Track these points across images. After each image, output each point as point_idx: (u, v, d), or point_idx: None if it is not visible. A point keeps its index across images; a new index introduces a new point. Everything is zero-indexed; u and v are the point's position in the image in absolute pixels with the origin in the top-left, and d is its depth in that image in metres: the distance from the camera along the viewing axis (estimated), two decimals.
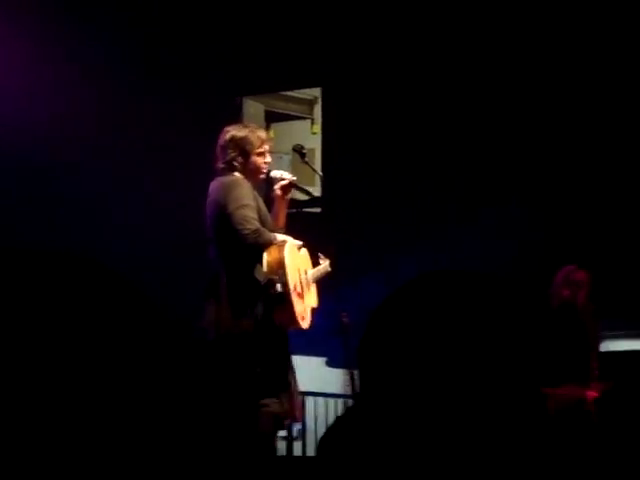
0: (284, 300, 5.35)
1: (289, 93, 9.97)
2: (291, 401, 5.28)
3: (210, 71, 8.75)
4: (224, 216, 5.32)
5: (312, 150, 9.00)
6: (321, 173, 7.26)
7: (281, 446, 7.28)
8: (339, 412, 7.72)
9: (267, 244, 5.33)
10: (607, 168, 7.84)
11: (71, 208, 8.21)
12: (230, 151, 5.48)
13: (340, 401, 7.99)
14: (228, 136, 5.53)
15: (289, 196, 5.72)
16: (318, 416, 8.07)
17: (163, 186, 8.16)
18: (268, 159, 5.59)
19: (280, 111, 10.27)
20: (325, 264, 5.96)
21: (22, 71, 8.55)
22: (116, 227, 8.10)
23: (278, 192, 5.68)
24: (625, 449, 5.83)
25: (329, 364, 8.14)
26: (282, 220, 5.72)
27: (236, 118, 9.08)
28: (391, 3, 8.15)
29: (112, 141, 8.15)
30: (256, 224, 5.27)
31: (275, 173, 5.67)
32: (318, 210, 8.69)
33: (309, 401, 8.08)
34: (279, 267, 5.33)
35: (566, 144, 7.93)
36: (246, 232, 5.22)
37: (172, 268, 8.00)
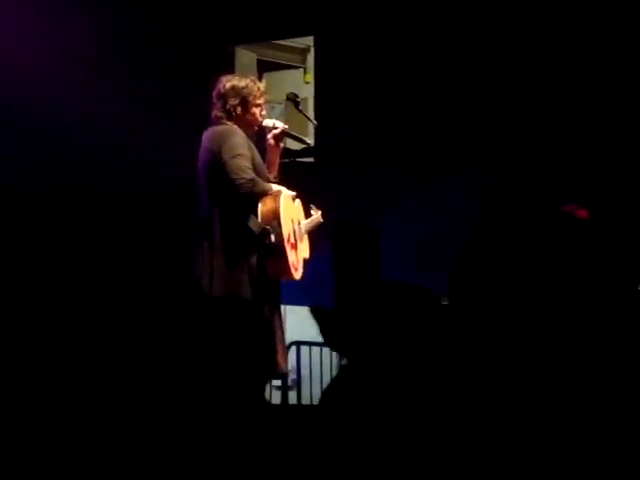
0: (278, 251, 5.35)
1: (282, 42, 9.90)
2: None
3: (202, 20, 8.67)
4: (218, 165, 5.30)
5: (305, 99, 8.94)
6: (315, 122, 7.23)
7: (276, 395, 7.31)
8: (333, 361, 7.74)
9: (262, 194, 5.31)
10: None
11: (64, 153, 8.18)
12: (231, 99, 5.45)
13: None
14: (229, 85, 5.49)
15: (282, 145, 5.70)
16: (313, 365, 8.09)
17: (153, 135, 8.11)
18: (264, 111, 5.57)
19: (273, 60, 10.20)
20: (317, 215, 5.95)
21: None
22: (105, 174, 8.05)
23: (271, 141, 5.66)
24: None
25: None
26: (275, 169, 5.71)
27: (228, 67, 9.02)
28: None
29: (99, 89, 8.07)
30: (251, 173, 5.25)
31: (267, 122, 5.65)
32: (311, 160, 8.67)
33: (304, 350, 8.11)
34: (274, 217, 5.33)
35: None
36: (241, 181, 5.21)
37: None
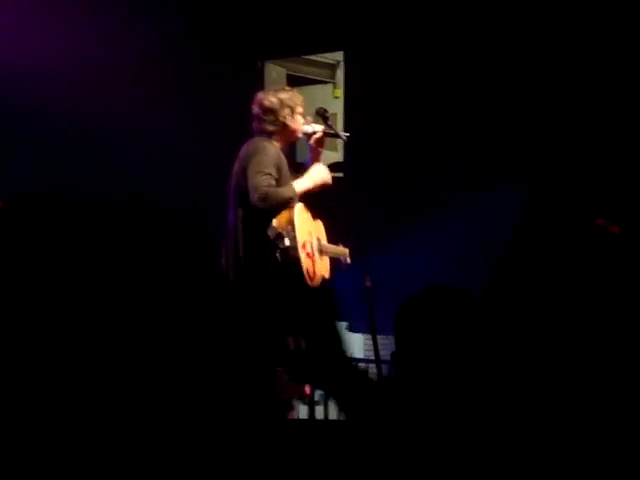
0: (291, 254, 5.47)
1: (311, 57, 9.91)
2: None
3: (232, 34, 8.70)
4: (245, 175, 5.50)
5: (334, 114, 8.94)
6: (344, 137, 7.23)
7: (303, 410, 7.30)
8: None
9: (278, 205, 5.46)
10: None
11: (92, 158, 8.24)
12: (282, 111, 5.71)
13: (362, 365, 7.99)
14: (276, 98, 5.76)
15: (324, 147, 5.97)
16: None
17: (183, 147, 8.15)
18: (304, 119, 5.85)
19: (302, 75, 10.22)
20: (344, 250, 6.02)
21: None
22: (132, 183, 8.09)
23: (314, 145, 5.90)
24: None
25: (351, 328, 8.14)
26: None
27: (258, 82, 9.03)
28: None
29: (132, 99, 8.11)
30: (264, 190, 5.40)
31: (306, 128, 5.88)
32: (341, 175, 8.66)
33: None
34: (288, 223, 5.49)
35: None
36: (254, 199, 5.41)
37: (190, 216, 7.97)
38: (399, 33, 8.27)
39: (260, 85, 9.12)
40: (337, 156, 9.55)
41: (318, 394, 8.04)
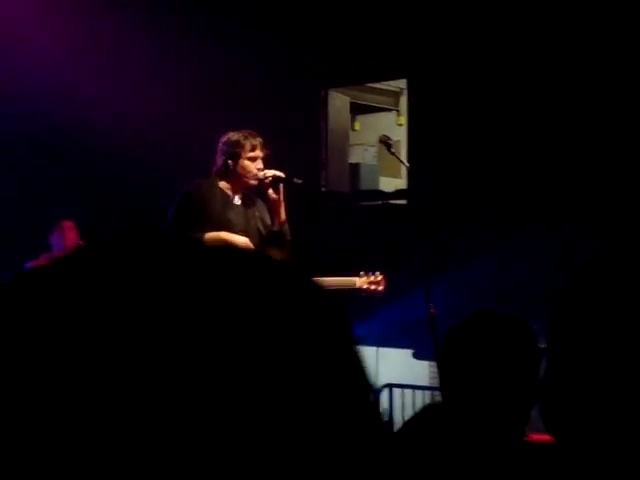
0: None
1: (375, 85, 9.96)
2: None
3: (296, 63, 8.78)
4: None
5: (398, 142, 8.97)
6: (407, 164, 7.25)
7: None
8: (425, 404, 7.70)
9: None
10: None
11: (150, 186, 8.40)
12: (224, 154, 5.69)
13: (427, 393, 7.97)
14: (224, 139, 5.73)
15: (280, 191, 5.76)
16: (405, 407, 8.05)
17: None
18: (259, 165, 5.67)
19: (365, 103, 10.27)
20: (350, 280, 5.90)
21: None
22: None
23: (269, 191, 5.77)
24: None
25: (416, 356, 8.13)
26: (281, 216, 5.80)
27: (321, 110, 9.10)
28: None
29: (194, 125, 8.22)
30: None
31: (260, 174, 5.74)
32: (404, 202, 8.67)
33: (396, 393, 8.07)
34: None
35: None
36: None
37: None
38: (462, 60, 8.27)
39: (324, 113, 9.19)
40: (401, 183, 9.58)
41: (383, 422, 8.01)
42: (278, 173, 5.70)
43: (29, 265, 7.33)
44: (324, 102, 9.19)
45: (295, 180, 5.78)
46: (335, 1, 8.57)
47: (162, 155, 8.41)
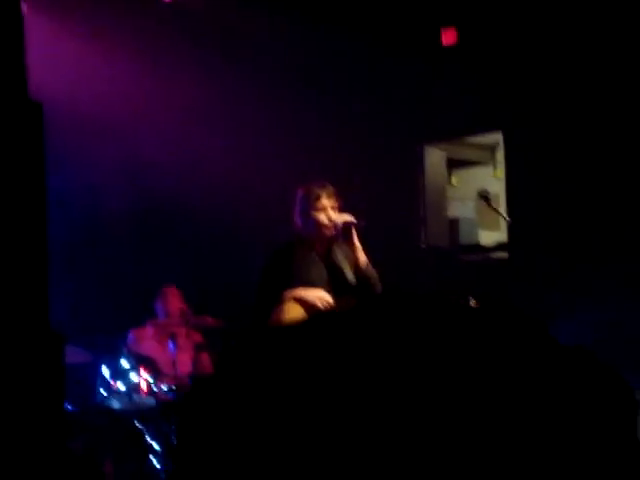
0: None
1: (470, 140, 9.93)
2: None
3: (391, 119, 8.81)
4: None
5: (496, 195, 8.91)
6: (508, 218, 7.19)
7: None
8: None
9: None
10: None
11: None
12: (297, 210, 5.73)
13: None
14: (298, 196, 5.78)
15: (352, 235, 5.75)
16: None
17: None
18: (330, 214, 5.65)
19: (461, 158, 10.23)
20: None
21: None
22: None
23: (344, 237, 5.78)
24: None
25: None
26: (360, 260, 5.76)
27: (418, 166, 9.09)
28: (572, 45, 8.03)
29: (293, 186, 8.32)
30: (256, 313, 5.58)
31: (331, 224, 5.73)
32: (505, 256, 8.58)
33: None
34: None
35: None
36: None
37: None
38: (556, 112, 8.20)
39: (420, 169, 9.18)
40: (501, 236, 9.49)
41: None
42: (347, 217, 5.71)
43: (133, 331, 7.41)
44: (420, 157, 9.19)
45: (359, 222, 5.78)
46: (430, 57, 8.59)
47: (258, 219, 8.49)
